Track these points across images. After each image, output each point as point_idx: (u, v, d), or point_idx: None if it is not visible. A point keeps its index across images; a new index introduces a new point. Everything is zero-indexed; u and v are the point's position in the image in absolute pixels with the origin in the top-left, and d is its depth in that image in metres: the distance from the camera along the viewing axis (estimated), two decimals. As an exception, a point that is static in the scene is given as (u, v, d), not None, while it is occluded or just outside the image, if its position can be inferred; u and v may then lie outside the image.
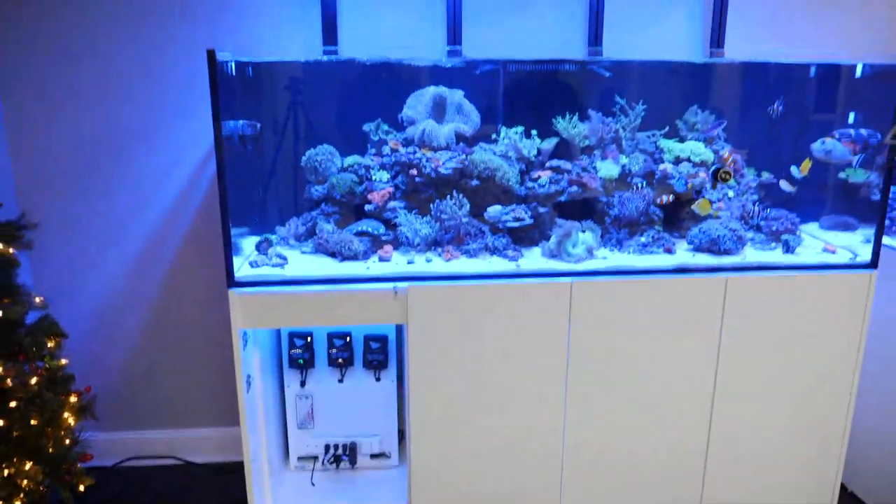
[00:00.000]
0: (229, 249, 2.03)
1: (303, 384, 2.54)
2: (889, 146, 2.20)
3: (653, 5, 2.63)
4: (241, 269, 2.14)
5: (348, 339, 2.49)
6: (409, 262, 2.15)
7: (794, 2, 2.67)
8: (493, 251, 2.21)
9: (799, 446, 2.37)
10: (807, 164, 2.27)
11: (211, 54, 1.88)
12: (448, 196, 2.22)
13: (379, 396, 2.56)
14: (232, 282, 2.06)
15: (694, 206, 2.24)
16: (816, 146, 2.34)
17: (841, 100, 2.51)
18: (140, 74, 2.48)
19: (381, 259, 2.18)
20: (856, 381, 2.31)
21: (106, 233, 2.63)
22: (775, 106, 2.31)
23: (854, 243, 2.40)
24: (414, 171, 2.27)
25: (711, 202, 2.32)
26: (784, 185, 2.35)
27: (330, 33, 2.43)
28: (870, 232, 2.38)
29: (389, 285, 2.09)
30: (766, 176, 2.47)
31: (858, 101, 2.43)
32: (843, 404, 2.34)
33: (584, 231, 2.22)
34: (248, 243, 2.33)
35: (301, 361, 2.50)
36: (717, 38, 2.62)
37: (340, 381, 2.54)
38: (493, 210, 2.25)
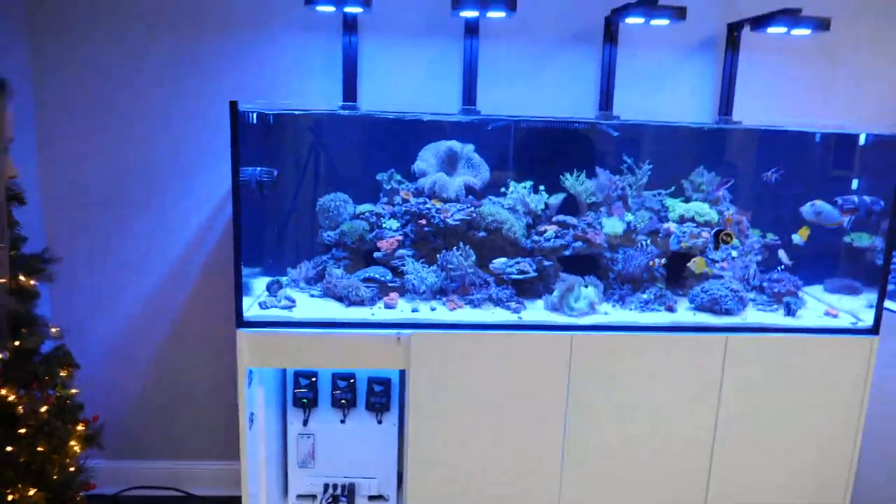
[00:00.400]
0: (240, 290, 2.10)
1: (305, 423, 2.57)
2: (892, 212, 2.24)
3: (661, 76, 2.72)
4: (251, 309, 2.21)
5: (352, 380, 2.53)
6: (414, 311, 2.21)
7: (801, 73, 2.74)
8: (497, 302, 2.26)
9: (799, 511, 2.35)
10: (805, 231, 2.31)
11: (233, 105, 1.98)
12: (455, 247, 2.28)
13: (380, 439, 2.59)
14: (241, 321, 2.12)
15: (690, 264, 2.29)
16: (806, 209, 2.38)
17: (845, 166, 2.55)
18: (166, 119, 2.59)
19: (387, 306, 2.24)
20: (857, 446, 2.30)
21: (124, 269, 2.72)
22: (769, 174, 2.37)
23: (857, 307, 2.41)
24: (423, 221, 2.34)
25: (710, 260, 2.36)
26: (782, 255, 2.38)
27: (350, 89, 2.54)
28: (873, 296, 2.40)
29: (393, 331, 2.14)
30: (770, 237, 2.51)
31: (862, 168, 2.47)
32: (844, 468, 2.33)
33: (586, 286, 2.26)
34: (260, 284, 2.41)
35: (305, 401, 2.53)
36: (725, 107, 2.69)
37: (343, 421, 2.57)
38: (499, 262, 2.31)
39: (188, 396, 2.87)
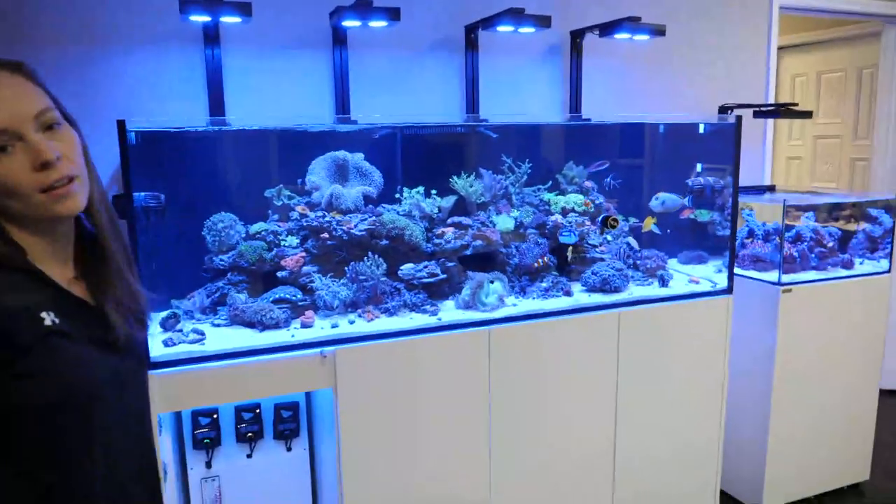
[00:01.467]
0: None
1: (208, 465, 2.38)
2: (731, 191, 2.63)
3: (518, 80, 2.94)
4: (154, 348, 2.00)
5: (258, 410, 2.39)
6: (334, 326, 2.15)
7: (641, 73, 3.11)
8: (413, 308, 2.28)
9: (684, 454, 2.66)
10: (649, 222, 2.65)
11: (121, 125, 1.79)
12: (364, 258, 2.26)
13: (290, 467, 2.47)
14: (147, 364, 1.91)
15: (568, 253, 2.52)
16: (653, 203, 2.72)
17: (689, 153, 2.94)
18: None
19: (304, 325, 2.16)
20: (725, 390, 2.67)
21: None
22: (595, 166, 2.71)
23: (709, 273, 2.79)
24: (325, 235, 2.29)
25: (590, 245, 2.60)
26: (631, 241, 2.68)
27: (216, 103, 2.41)
28: (719, 262, 2.79)
29: (316, 350, 2.07)
30: (632, 221, 2.81)
31: (703, 153, 2.87)
32: (716, 411, 2.68)
33: (493, 281, 2.36)
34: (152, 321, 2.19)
35: (207, 441, 2.35)
36: (574, 106, 2.97)
37: (249, 456, 2.42)
38: (407, 268, 2.33)
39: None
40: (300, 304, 2.22)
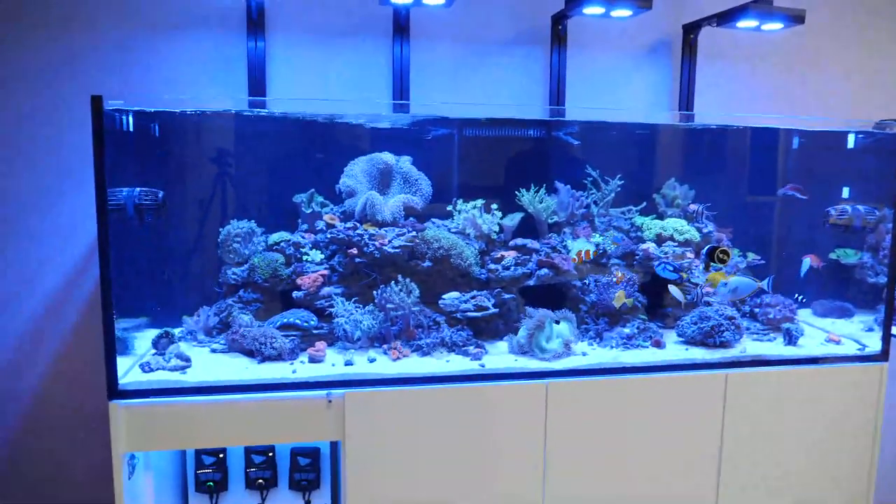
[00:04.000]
0: (112, 349, 1.58)
1: (212, 512, 2.03)
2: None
3: (612, 81, 2.43)
4: (129, 373, 1.67)
5: (271, 454, 2.02)
6: (348, 363, 1.74)
7: (761, 77, 2.51)
8: (452, 347, 1.83)
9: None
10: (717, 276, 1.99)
11: (96, 101, 1.48)
12: (394, 281, 1.84)
13: (308, 526, 2.07)
14: (114, 391, 1.59)
15: (614, 301, 1.91)
16: (721, 290, 2.06)
17: (831, 170, 2.29)
18: (30, 130, 2.04)
19: (312, 359, 1.76)
20: (872, 480, 2.01)
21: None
22: (699, 209, 2.10)
23: (854, 332, 2.13)
24: (354, 251, 1.89)
25: (691, 284, 2.02)
26: (674, 291, 2.02)
27: (258, 89, 2.09)
28: (869, 318, 2.13)
29: (322, 392, 1.66)
30: (752, 257, 2.21)
31: (849, 174, 2.22)
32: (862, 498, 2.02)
33: (558, 322, 1.86)
34: (146, 339, 1.87)
35: (210, 484, 2.00)
36: (686, 101, 2.41)
37: (260, 506, 2.05)
38: (450, 297, 1.88)
39: (57, 490, 2.26)
40: (315, 332, 1.83)
